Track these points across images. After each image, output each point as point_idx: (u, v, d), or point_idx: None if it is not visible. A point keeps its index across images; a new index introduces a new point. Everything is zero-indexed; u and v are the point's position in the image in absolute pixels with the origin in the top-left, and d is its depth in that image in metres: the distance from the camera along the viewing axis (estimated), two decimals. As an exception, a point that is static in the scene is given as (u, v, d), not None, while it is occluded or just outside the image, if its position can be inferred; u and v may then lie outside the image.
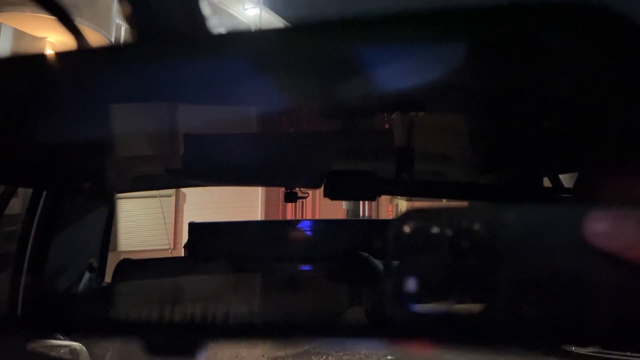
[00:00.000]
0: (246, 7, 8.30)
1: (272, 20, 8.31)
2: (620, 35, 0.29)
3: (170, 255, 5.92)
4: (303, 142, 1.01)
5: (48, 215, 1.14)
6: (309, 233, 1.74)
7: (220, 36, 0.43)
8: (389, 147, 0.93)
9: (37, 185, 1.13)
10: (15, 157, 0.75)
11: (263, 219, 6.46)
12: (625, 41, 0.29)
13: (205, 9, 0.49)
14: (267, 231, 1.85)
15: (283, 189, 1.87)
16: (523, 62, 0.41)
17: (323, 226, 1.91)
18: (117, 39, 4.78)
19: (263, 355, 1.63)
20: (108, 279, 1.40)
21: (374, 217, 7.14)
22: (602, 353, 0.98)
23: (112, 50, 0.47)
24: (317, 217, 6.57)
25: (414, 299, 0.29)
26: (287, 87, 0.52)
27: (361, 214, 7.15)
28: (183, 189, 6.11)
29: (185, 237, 1.87)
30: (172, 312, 1.31)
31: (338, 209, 6.58)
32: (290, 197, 1.76)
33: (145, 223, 6.62)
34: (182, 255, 2.08)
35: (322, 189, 0.92)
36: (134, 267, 1.45)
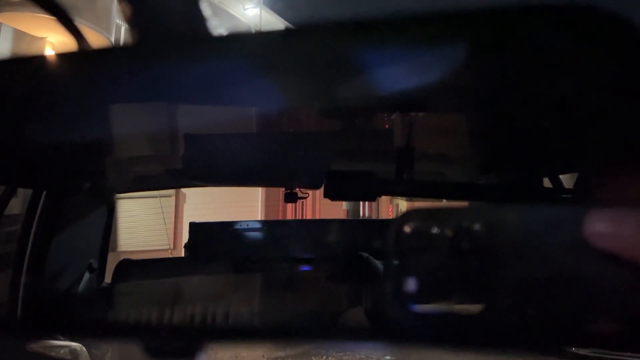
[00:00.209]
0: (246, 7, 8.30)
1: (272, 20, 8.31)
2: (620, 37, 0.29)
3: (170, 256, 5.92)
4: (303, 143, 1.01)
5: (48, 215, 1.13)
6: (309, 233, 1.74)
7: (221, 37, 0.43)
8: (389, 147, 0.93)
9: (37, 186, 1.12)
10: (16, 158, 0.75)
11: (263, 219, 6.46)
12: (624, 42, 0.29)
13: (206, 10, 0.49)
14: (268, 231, 1.85)
15: (283, 189, 1.87)
16: (523, 62, 0.41)
17: (323, 226, 1.91)
18: (117, 39, 4.78)
19: (263, 356, 1.63)
20: (108, 279, 1.40)
21: (374, 217, 7.13)
22: (602, 353, 0.98)
23: (112, 51, 0.48)
24: (317, 218, 6.57)
25: (414, 299, 0.29)
26: (288, 87, 0.52)
27: (361, 214, 7.15)
28: (183, 189, 6.11)
29: (185, 237, 1.87)
30: (172, 312, 1.31)
31: (338, 209, 6.58)
32: (291, 198, 1.75)
33: (145, 223, 6.62)
34: (182, 255, 2.08)
35: (322, 189, 0.92)
36: (134, 268, 1.45)
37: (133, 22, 0.47)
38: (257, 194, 6.86)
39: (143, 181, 1.42)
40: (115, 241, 5.84)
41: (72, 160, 0.91)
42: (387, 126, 0.98)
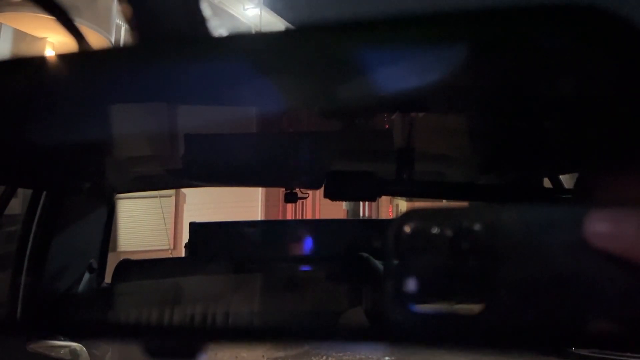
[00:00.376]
0: (246, 7, 8.30)
1: (272, 20, 8.31)
2: (620, 37, 0.29)
3: (170, 256, 5.92)
4: (303, 143, 1.01)
5: (48, 215, 1.14)
6: (309, 233, 1.74)
7: (221, 38, 0.43)
8: (389, 147, 0.93)
9: (37, 186, 1.13)
10: (16, 158, 0.75)
11: (263, 219, 6.45)
12: (625, 42, 0.29)
13: (206, 10, 0.50)
14: (268, 231, 1.85)
15: (283, 189, 1.87)
16: (523, 62, 0.41)
17: (323, 226, 1.91)
18: (117, 39, 4.78)
19: (263, 356, 1.63)
20: (108, 279, 1.40)
21: (374, 217, 7.13)
22: (602, 354, 0.98)
23: (112, 52, 0.48)
24: (317, 218, 6.57)
25: (414, 299, 0.29)
26: (288, 88, 0.52)
27: (361, 214, 7.15)
28: (183, 189, 6.11)
29: (185, 237, 1.87)
30: (172, 313, 1.31)
31: (338, 210, 6.58)
32: (291, 198, 1.75)
33: (145, 223, 6.62)
34: (182, 255, 2.08)
35: (322, 189, 0.92)
36: (134, 268, 1.45)
37: (133, 22, 0.47)
38: (257, 194, 6.86)
39: (143, 181, 1.42)
40: (115, 241, 5.84)
41: (72, 161, 0.91)
42: (387, 126, 0.98)
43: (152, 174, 1.32)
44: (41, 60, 0.45)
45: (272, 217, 6.72)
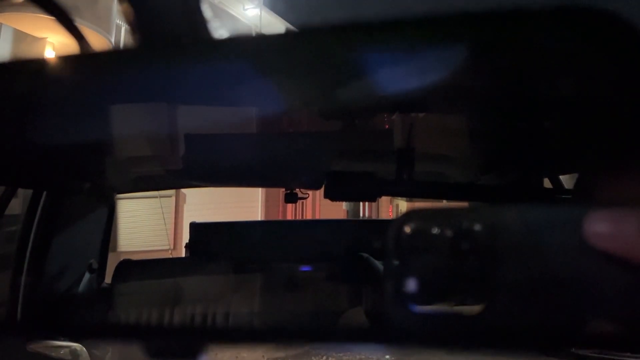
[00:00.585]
0: (246, 7, 8.30)
1: (272, 21, 8.31)
2: (620, 37, 0.29)
3: (170, 256, 5.92)
4: (303, 143, 1.01)
5: (48, 215, 1.14)
6: (309, 234, 1.74)
7: (222, 39, 0.43)
8: (390, 147, 0.93)
9: (38, 186, 1.13)
10: (16, 158, 0.75)
11: (263, 219, 6.45)
12: (624, 43, 0.29)
13: (207, 11, 0.50)
14: (268, 231, 1.85)
15: (283, 189, 1.87)
16: (523, 63, 0.41)
17: (323, 227, 1.91)
18: (118, 40, 4.79)
19: (263, 356, 1.63)
20: (108, 279, 1.40)
21: (374, 217, 7.13)
22: (602, 354, 0.98)
23: (113, 54, 0.48)
24: (317, 218, 6.57)
25: (414, 299, 0.29)
26: (289, 89, 0.52)
27: (361, 214, 7.14)
28: (183, 190, 6.11)
29: (185, 238, 1.87)
30: (172, 313, 1.31)
31: (338, 210, 6.58)
32: (291, 198, 1.75)
33: (145, 223, 6.62)
34: (183, 255, 2.08)
35: (322, 189, 0.92)
36: (134, 268, 1.45)
37: (134, 23, 0.47)
38: (257, 194, 6.85)
39: (143, 181, 1.42)
40: (116, 241, 5.84)
41: (72, 161, 0.91)
42: (387, 126, 0.98)
43: (152, 174, 1.32)
44: (42, 61, 0.45)
45: (272, 217, 6.72)
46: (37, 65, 0.45)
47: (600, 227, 0.27)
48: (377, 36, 0.35)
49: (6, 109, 0.54)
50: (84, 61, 0.46)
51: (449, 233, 0.29)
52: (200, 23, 0.50)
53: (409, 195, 1.00)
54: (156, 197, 6.38)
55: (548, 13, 0.30)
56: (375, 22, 0.33)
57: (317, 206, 6.71)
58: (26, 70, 0.45)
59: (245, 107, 0.78)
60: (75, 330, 0.71)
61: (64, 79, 0.45)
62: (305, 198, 1.82)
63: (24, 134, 0.64)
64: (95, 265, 1.31)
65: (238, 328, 1.26)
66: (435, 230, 0.29)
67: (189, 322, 1.29)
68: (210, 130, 0.88)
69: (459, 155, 1.10)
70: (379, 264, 1.33)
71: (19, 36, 4.44)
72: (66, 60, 0.44)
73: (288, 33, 0.43)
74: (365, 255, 1.37)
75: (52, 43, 4.16)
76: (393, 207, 7.48)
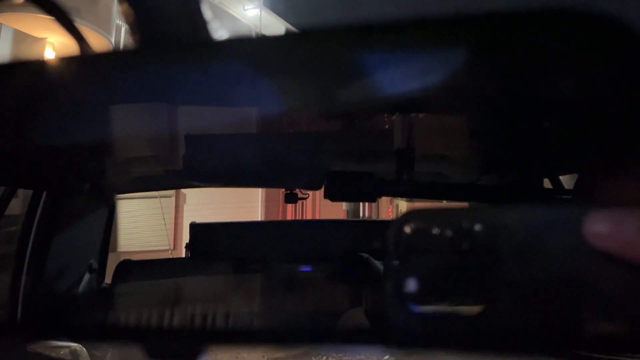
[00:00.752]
0: (246, 7, 8.30)
1: (272, 21, 8.31)
2: (619, 38, 0.29)
3: (170, 256, 5.92)
4: (303, 143, 1.01)
5: (48, 216, 1.14)
6: (309, 234, 1.74)
7: (222, 40, 0.43)
8: (390, 148, 0.93)
9: (38, 186, 1.13)
10: (16, 158, 0.75)
11: (263, 219, 6.45)
12: (624, 43, 0.29)
13: (207, 12, 0.50)
14: (268, 232, 1.85)
15: (283, 190, 1.87)
16: (523, 65, 0.41)
17: (323, 227, 1.91)
18: (118, 40, 4.79)
19: (263, 356, 1.63)
20: (108, 280, 1.40)
21: (374, 218, 7.13)
22: (603, 355, 0.98)
23: (113, 54, 0.48)
24: (317, 218, 6.57)
25: (414, 300, 0.29)
26: (289, 90, 0.52)
27: (361, 214, 7.14)
28: (183, 190, 6.11)
29: (185, 238, 1.87)
30: (172, 313, 1.31)
31: (338, 210, 6.57)
32: (291, 198, 1.75)
33: (145, 223, 6.62)
34: (183, 255, 2.08)
35: (322, 190, 0.92)
36: (134, 268, 1.45)
37: (134, 23, 0.48)
38: (257, 194, 6.85)
39: (143, 182, 1.42)
40: (116, 241, 5.83)
41: (72, 161, 0.91)
42: (387, 127, 0.98)
43: (152, 174, 1.32)
44: (42, 62, 0.45)
45: (272, 218, 6.72)
46: (37, 65, 0.45)
47: (600, 227, 0.27)
48: (377, 37, 0.35)
49: (6, 109, 0.54)
50: (84, 62, 0.46)
51: (449, 233, 0.29)
52: (200, 24, 0.50)
53: (409, 196, 1.00)
54: (156, 197, 6.38)
55: (548, 14, 0.30)
56: (376, 23, 0.33)
57: (317, 206, 6.71)
58: (26, 71, 0.45)
59: (245, 108, 0.78)
60: (75, 331, 0.71)
61: (64, 80, 0.45)
62: (305, 198, 1.82)
63: (24, 134, 0.64)
64: (95, 266, 1.31)
65: (238, 328, 1.26)
66: (435, 231, 0.29)
67: (189, 323, 1.29)
68: (210, 130, 0.89)
69: (458, 156, 1.10)
70: (379, 264, 1.33)
71: (19, 36, 4.44)
72: (66, 60, 0.44)
73: (288, 34, 0.43)
74: (365, 255, 1.37)
75: (52, 43, 4.16)
76: (393, 207, 7.48)
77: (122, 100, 0.61)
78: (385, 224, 0.30)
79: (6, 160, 0.74)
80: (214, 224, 1.83)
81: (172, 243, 6.65)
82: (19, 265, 1.10)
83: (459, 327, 0.29)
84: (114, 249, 5.46)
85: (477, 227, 0.29)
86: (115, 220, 1.49)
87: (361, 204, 6.40)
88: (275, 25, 8.09)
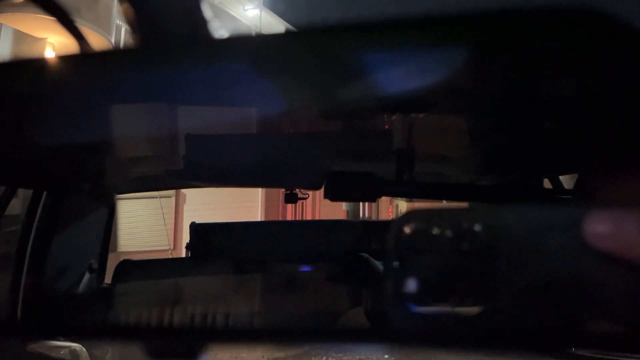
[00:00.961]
0: (246, 8, 8.31)
1: (272, 21, 8.31)
2: (619, 38, 0.29)
3: (170, 256, 5.92)
4: (303, 143, 1.01)
5: (48, 216, 1.14)
6: (309, 234, 1.74)
7: (222, 39, 0.43)
8: (389, 148, 0.93)
9: (38, 186, 1.13)
10: (16, 158, 0.75)
11: (263, 219, 6.45)
12: (624, 43, 0.29)
13: (207, 11, 0.50)
14: (268, 232, 1.85)
15: (283, 190, 1.87)
16: (523, 64, 0.41)
17: (323, 227, 1.91)
18: (118, 40, 4.79)
19: (263, 356, 1.63)
20: (108, 279, 1.40)
21: (374, 218, 7.13)
22: (603, 355, 0.98)
23: (113, 53, 0.48)
24: (317, 218, 6.57)
25: (414, 300, 0.29)
26: (289, 89, 0.52)
27: (361, 215, 7.14)
28: (183, 190, 6.11)
29: (185, 238, 1.87)
30: (172, 313, 1.31)
31: (338, 210, 6.57)
32: (291, 198, 1.75)
33: (145, 224, 6.62)
34: (183, 255, 2.08)
35: (322, 190, 0.92)
36: (134, 268, 1.45)
37: (134, 23, 0.48)
38: (257, 194, 6.85)
39: (143, 182, 1.43)
40: (116, 241, 5.83)
41: (72, 161, 0.91)
42: (387, 127, 0.98)
43: (153, 174, 1.32)
44: (42, 61, 0.45)
45: (272, 218, 6.72)
46: (37, 65, 0.45)
47: (600, 227, 0.27)
48: (376, 37, 0.35)
49: (6, 109, 0.54)
50: (84, 61, 0.46)
51: (449, 233, 0.29)
52: (200, 23, 0.50)
53: (409, 196, 1.00)
54: (156, 197, 6.39)
55: (547, 14, 0.30)
56: (375, 23, 0.33)
57: (317, 206, 6.71)
58: (26, 70, 0.45)
59: (245, 108, 0.78)
60: (75, 330, 0.71)
61: (64, 79, 0.45)
62: (305, 198, 1.82)
63: (24, 134, 0.64)
64: (95, 266, 1.32)
65: (238, 328, 1.26)
66: (435, 231, 0.29)
67: (189, 323, 1.29)
68: (211, 130, 0.89)
69: (459, 156, 1.10)
70: (379, 265, 1.33)
71: (19, 36, 4.44)
72: (66, 60, 0.44)
73: (288, 33, 0.43)
74: (365, 255, 1.37)
75: (52, 43, 4.16)
76: (393, 207, 7.47)
77: (122, 100, 0.61)
78: (385, 224, 0.30)
79: (6, 160, 0.74)
80: (214, 224, 1.83)
81: (172, 243, 6.65)
82: (19, 265, 1.10)
83: (459, 327, 0.29)
84: (114, 249, 5.45)
85: (477, 227, 0.29)
86: (115, 220, 1.49)
87: (361, 204, 6.41)
88: (275, 26, 8.09)
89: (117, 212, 1.50)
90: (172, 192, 6.44)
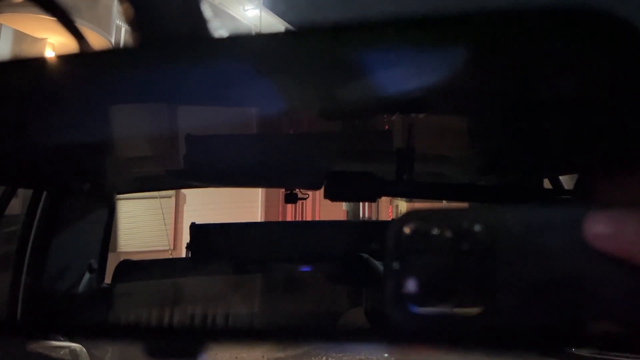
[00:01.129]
0: (246, 8, 8.31)
1: (272, 21, 8.32)
2: (619, 38, 0.29)
3: (170, 256, 5.92)
4: (303, 144, 1.01)
5: (48, 216, 1.14)
6: (309, 234, 1.74)
7: (222, 39, 0.43)
8: (389, 148, 0.93)
9: (38, 186, 1.13)
10: (16, 158, 0.75)
11: (263, 220, 6.45)
12: (624, 43, 0.29)
13: (207, 11, 0.50)
14: (268, 232, 1.85)
15: (283, 190, 1.87)
16: (523, 64, 0.41)
17: (323, 227, 1.91)
18: (118, 40, 4.79)
19: (262, 356, 1.63)
20: (108, 280, 1.40)
21: (374, 218, 7.13)
22: (602, 355, 0.98)
23: (113, 53, 0.48)
24: (317, 219, 6.57)
25: (414, 300, 0.29)
26: (289, 89, 0.52)
27: (361, 215, 7.14)
28: (183, 190, 6.11)
29: (185, 238, 1.87)
30: (172, 313, 1.31)
31: (338, 210, 6.57)
32: (291, 199, 1.75)
33: (145, 224, 6.62)
34: (183, 255, 2.08)
35: (322, 190, 0.92)
36: (134, 268, 1.45)
37: (134, 23, 0.48)
38: (257, 194, 6.85)
39: (143, 182, 1.43)
40: (115, 242, 5.83)
41: (72, 161, 0.91)
42: (387, 127, 0.98)
43: (153, 174, 1.32)
44: (42, 60, 0.45)
45: (272, 218, 6.72)
46: (37, 64, 0.45)
47: (600, 228, 0.27)
48: (376, 36, 0.35)
49: (6, 109, 0.54)
50: (84, 60, 0.46)
51: (448, 234, 0.29)
52: (200, 23, 0.50)
53: (409, 196, 1.00)
54: (156, 197, 6.39)
55: (548, 14, 0.30)
56: (375, 23, 0.33)
57: (317, 207, 6.71)
58: (26, 70, 0.45)
59: (245, 108, 0.78)
60: (75, 330, 0.71)
61: (64, 79, 0.45)
62: (305, 198, 1.82)
63: (24, 133, 0.64)
64: (95, 266, 1.31)
65: (238, 328, 1.26)
66: (435, 231, 0.29)
67: (189, 323, 1.29)
68: (211, 130, 0.89)
69: (458, 156, 1.10)
70: (378, 265, 1.33)
71: (19, 36, 4.44)
72: (66, 59, 0.44)
73: (288, 33, 0.43)
74: (365, 255, 1.37)
75: (52, 43, 4.17)
76: (393, 207, 7.47)
77: (122, 99, 0.61)
78: (385, 224, 0.30)
79: (6, 160, 0.74)
80: (214, 224, 1.83)
81: (172, 243, 6.65)
82: (19, 265, 1.10)
83: (459, 327, 0.29)
84: (114, 249, 5.45)
85: (477, 227, 0.29)
86: (115, 220, 1.49)
87: (361, 204, 6.40)
88: (275, 26, 8.09)
89: (117, 212, 1.50)
90: (172, 192, 6.44)
